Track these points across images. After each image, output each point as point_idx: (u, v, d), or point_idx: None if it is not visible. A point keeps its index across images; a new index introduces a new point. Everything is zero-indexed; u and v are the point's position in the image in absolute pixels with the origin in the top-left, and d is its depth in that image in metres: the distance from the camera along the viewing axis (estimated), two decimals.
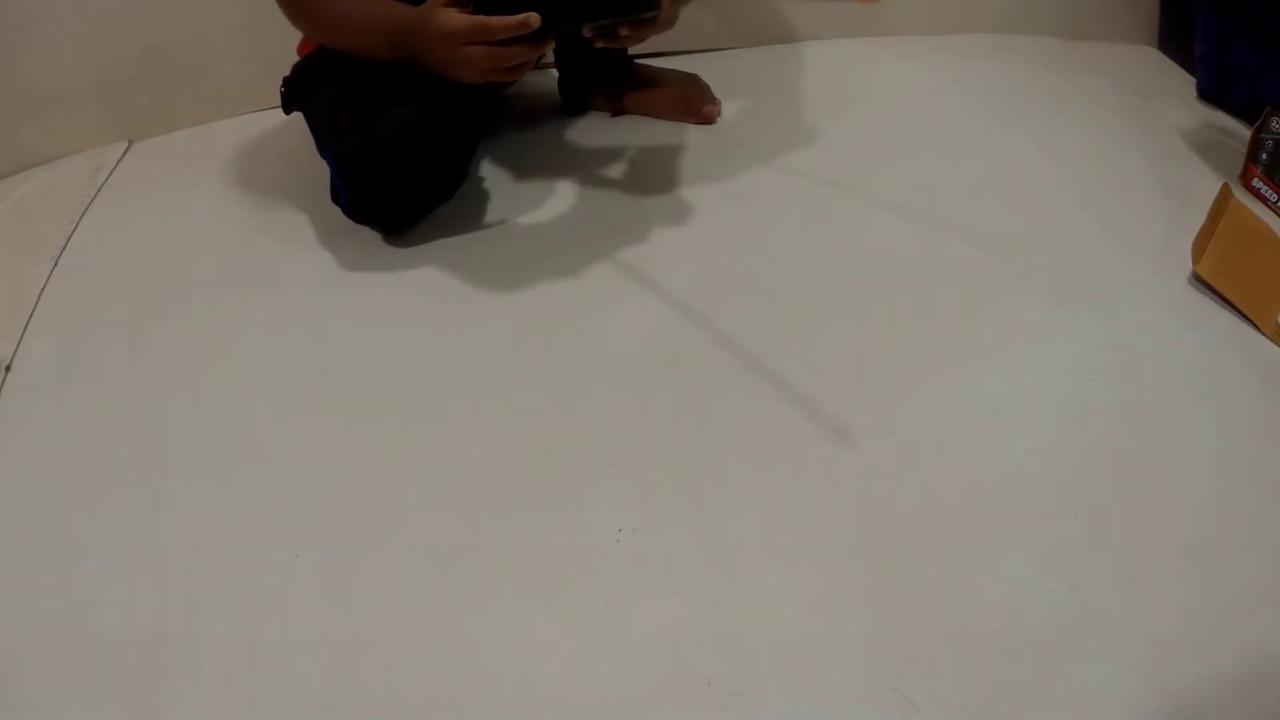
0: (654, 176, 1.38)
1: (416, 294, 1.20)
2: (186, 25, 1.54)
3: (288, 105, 1.28)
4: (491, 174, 1.40)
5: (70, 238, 1.37)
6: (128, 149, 1.56)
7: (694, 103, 1.49)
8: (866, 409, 1.02)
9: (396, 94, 1.17)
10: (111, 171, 1.50)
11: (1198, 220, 1.20)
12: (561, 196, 1.35)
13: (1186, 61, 1.61)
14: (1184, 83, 1.59)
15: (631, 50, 1.36)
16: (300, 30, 1.25)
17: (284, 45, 1.24)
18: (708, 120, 1.49)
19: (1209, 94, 1.54)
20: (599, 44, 1.09)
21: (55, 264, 1.32)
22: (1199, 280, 1.15)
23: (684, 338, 1.12)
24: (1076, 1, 1.70)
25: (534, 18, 1.01)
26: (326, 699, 0.82)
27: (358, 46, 1.17)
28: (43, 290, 1.28)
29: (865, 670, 0.81)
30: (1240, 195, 1.27)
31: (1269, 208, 1.29)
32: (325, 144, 1.23)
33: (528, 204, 1.33)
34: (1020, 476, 0.96)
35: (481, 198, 1.34)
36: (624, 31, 1.07)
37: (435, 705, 0.81)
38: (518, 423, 1.03)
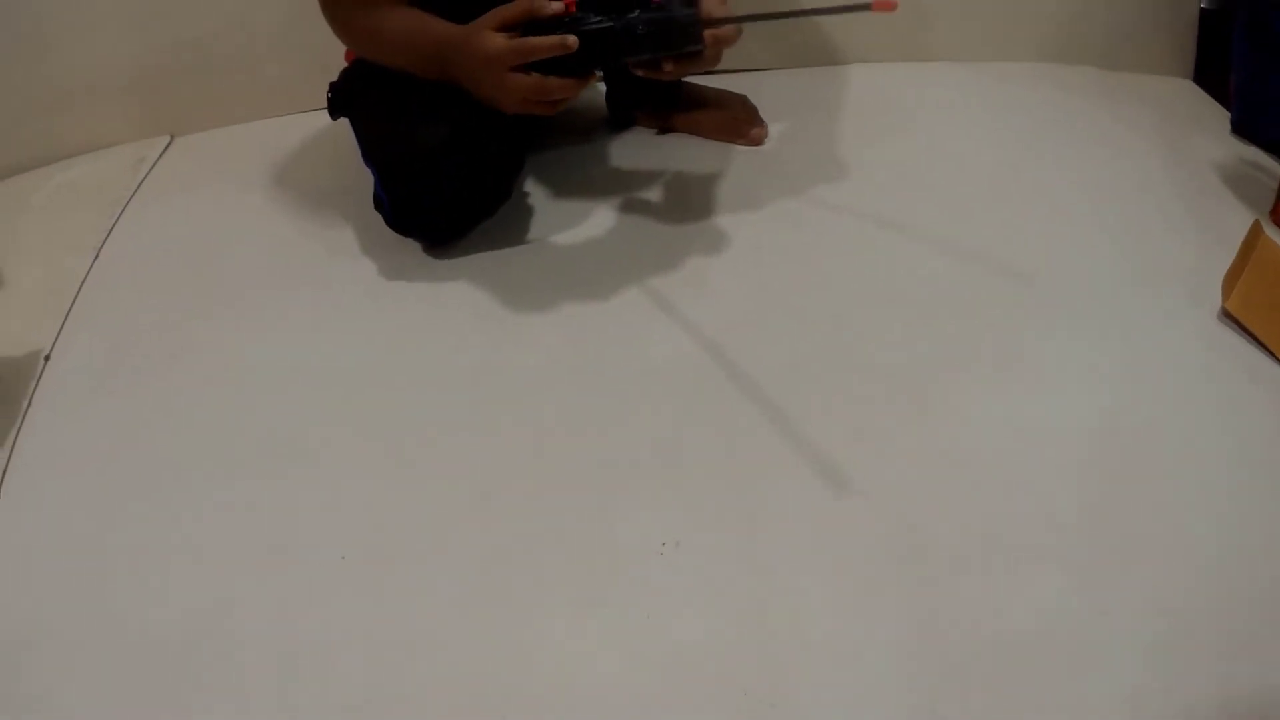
0: (699, 196, 1.39)
1: (459, 304, 1.21)
2: (232, 23, 1.56)
3: (334, 110, 1.29)
4: (535, 188, 1.41)
5: (111, 230, 1.39)
6: (169, 143, 1.58)
7: (742, 125, 1.50)
8: (902, 428, 1.04)
9: (442, 108, 1.17)
10: (153, 165, 1.53)
11: (1229, 254, 1.21)
12: (605, 213, 1.36)
13: (1222, 95, 1.62)
14: (1219, 116, 1.59)
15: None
16: (345, 43, 1.26)
17: (329, 48, 1.25)
18: (755, 142, 1.49)
19: (1243, 128, 1.55)
20: (640, 73, 1.09)
21: (96, 256, 1.34)
22: (1228, 316, 1.16)
23: (726, 355, 1.13)
24: (1117, 32, 1.70)
25: (572, 39, 1.01)
26: (365, 702, 0.83)
27: (400, 63, 1.18)
28: (83, 282, 1.29)
29: (898, 683, 0.82)
30: (1271, 231, 1.28)
31: None
32: (369, 153, 1.24)
33: (571, 219, 1.34)
34: (1050, 498, 0.97)
35: (524, 212, 1.36)
36: (667, 66, 1.07)
37: (474, 710, 0.82)
38: (562, 433, 1.05)
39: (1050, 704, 0.81)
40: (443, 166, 1.19)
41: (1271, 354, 1.12)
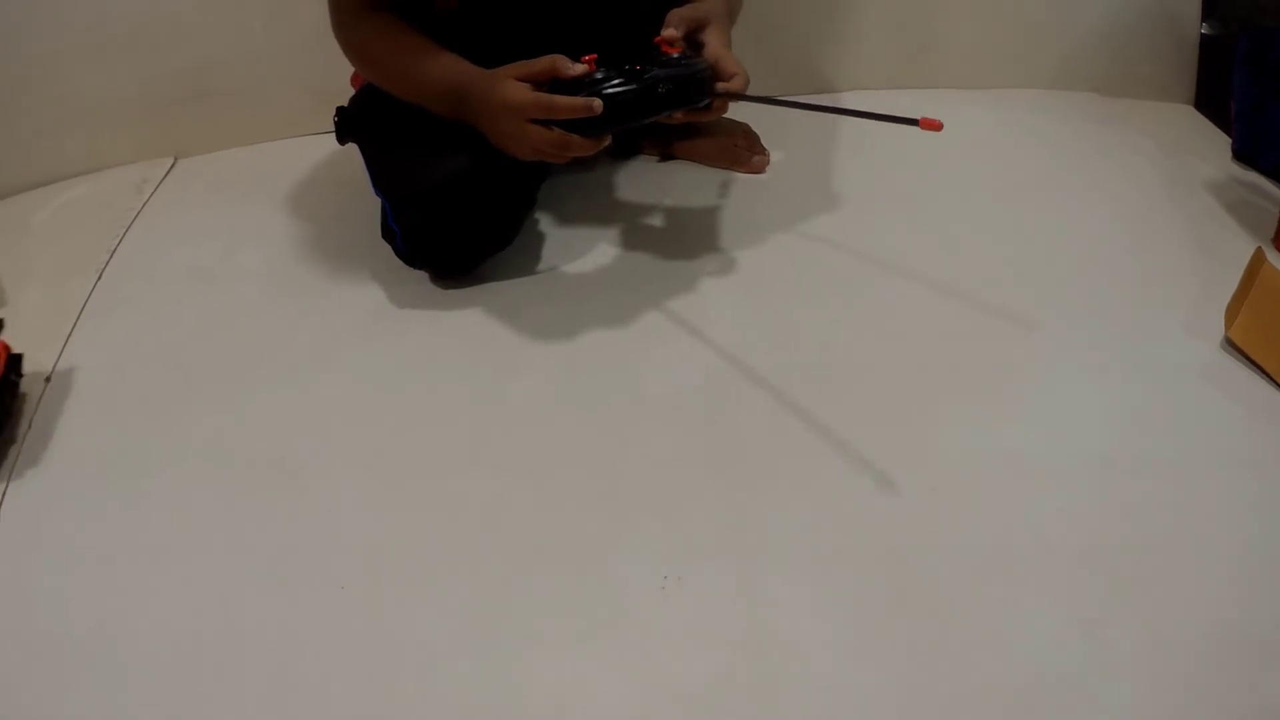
0: (700, 225, 1.39)
1: (461, 334, 1.21)
2: (236, 45, 1.56)
3: (342, 134, 1.29)
4: (538, 217, 1.41)
5: (114, 252, 1.38)
6: (173, 165, 1.58)
7: (743, 152, 1.50)
8: (902, 465, 1.03)
9: (455, 141, 1.17)
10: (157, 187, 1.52)
11: (1231, 281, 1.21)
12: (608, 242, 1.36)
13: (1223, 121, 1.62)
14: (1220, 143, 1.59)
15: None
16: (356, 67, 1.26)
17: (334, 72, 1.26)
18: (757, 170, 1.50)
19: (1244, 155, 1.55)
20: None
21: (99, 277, 1.34)
22: (1231, 344, 1.16)
23: (725, 386, 1.13)
24: (1118, 58, 1.71)
25: (598, 103, 1.02)
26: None
27: (415, 97, 1.18)
28: (85, 304, 1.29)
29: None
30: (1274, 257, 1.28)
31: None
32: (381, 182, 1.24)
33: (574, 249, 1.34)
34: (1050, 534, 0.96)
35: (527, 241, 1.35)
36: (677, 116, 1.09)
37: None
38: (561, 466, 1.04)
39: None
40: (460, 198, 1.19)
41: (1275, 382, 1.12)
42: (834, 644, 0.87)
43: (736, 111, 1.52)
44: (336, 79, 1.30)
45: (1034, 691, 0.83)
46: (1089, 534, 0.96)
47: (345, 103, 1.30)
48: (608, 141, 1.08)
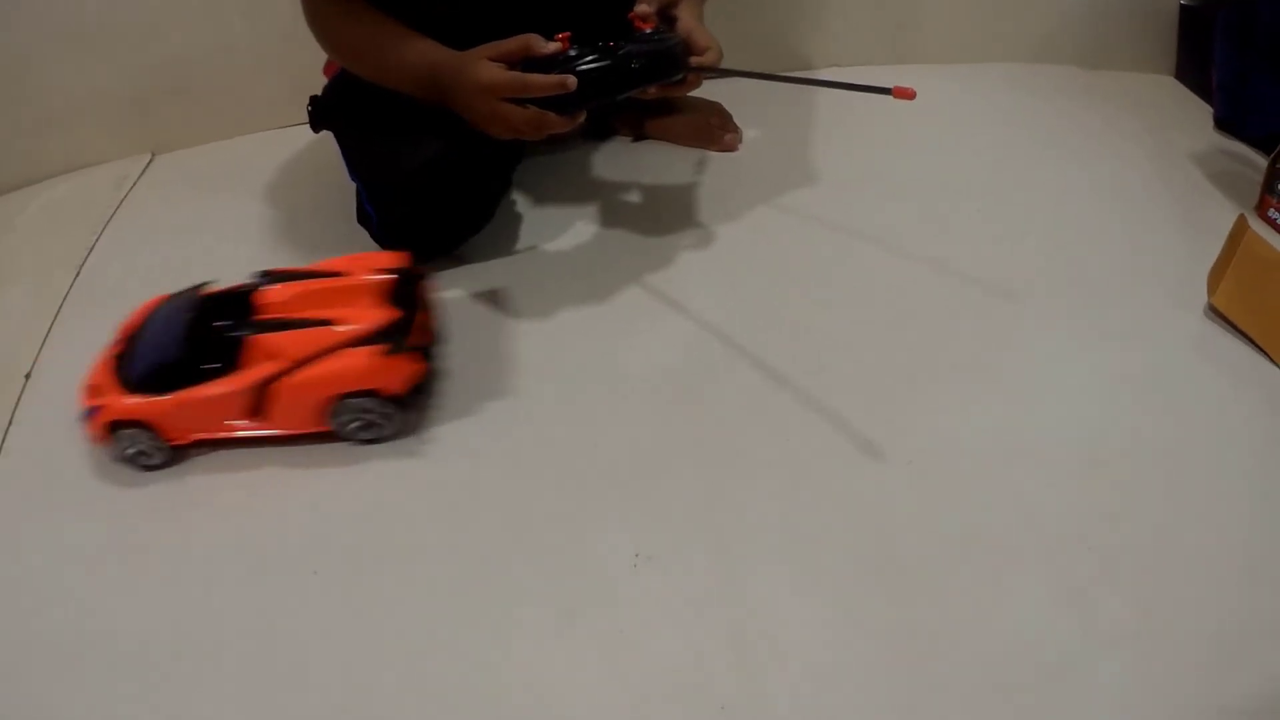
0: (675, 205, 1.39)
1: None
2: (211, 39, 1.55)
3: (316, 123, 1.28)
4: (514, 198, 1.40)
5: (93, 248, 1.38)
6: (150, 161, 1.58)
7: (715, 131, 1.50)
8: (883, 440, 1.03)
9: (430, 124, 1.17)
10: (135, 183, 1.52)
11: (1214, 250, 1.20)
12: (583, 223, 1.36)
13: (1204, 91, 1.62)
14: (1201, 112, 1.59)
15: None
16: (330, 54, 1.26)
17: (310, 62, 1.25)
18: (729, 148, 1.50)
19: (1226, 124, 1.55)
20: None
21: (78, 274, 1.33)
22: (1215, 312, 1.16)
23: (702, 365, 1.13)
24: (1097, 31, 1.70)
25: (572, 80, 1.02)
26: (336, 716, 0.82)
27: (391, 83, 1.17)
28: (64, 299, 1.29)
29: (879, 697, 0.81)
30: (1256, 225, 1.27)
31: None
32: (358, 168, 1.24)
33: (549, 230, 1.34)
34: (1035, 508, 0.96)
35: (504, 222, 1.35)
36: (651, 90, 1.09)
37: None
38: (537, 447, 1.04)
39: (1037, 716, 0.80)
40: (435, 182, 1.19)
41: (1259, 349, 1.12)
42: (815, 623, 0.87)
43: (709, 90, 1.52)
44: (312, 69, 1.29)
45: (1021, 667, 0.83)
46: (1076, 509, 0.96)
47: (319, 92, 1.29)
48: (583, 118, 1.08)
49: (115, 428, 0.99)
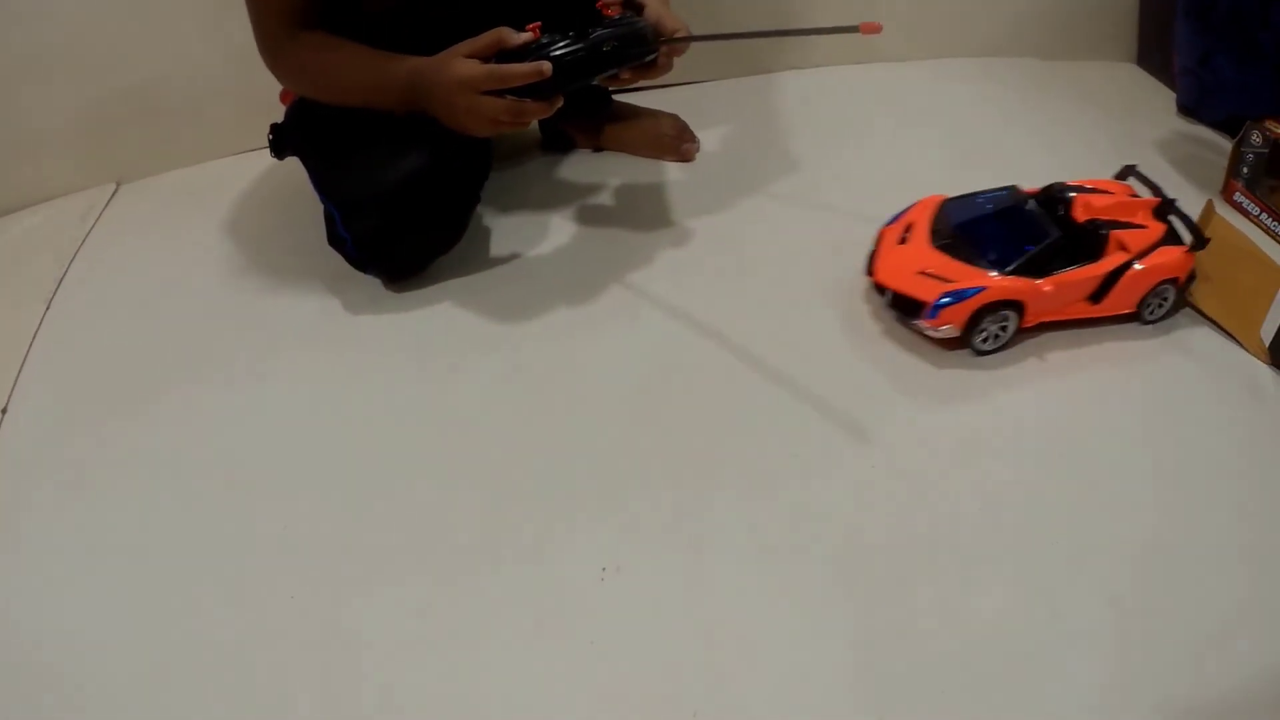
0: (635, 215, 1.39)
1: (405, 337, 1.21)
2: (173, 66, 1.55)
3: (279, 150, 1.28)
4: (481, 212, 1.40)
5: (61, 280, 1.37)
6: (116, 190, 1.57)
7: (673, 140, 1.50)
8: (846, 442, 1.03)
9: (404, 142, 1.17)
10: (101, 213, 1.51)
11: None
12: (548, 237, 1.36)
13: (1167, 76, 1.62)
14: (1165, 98, 1.60)
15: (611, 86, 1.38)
16: (292, 88, 1.26)
17: (270, 84, 1.24)
18: (686, 158, 1.50)
19: (1189, 109, 1.56)
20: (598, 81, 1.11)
21: (48, 307, 1.32)
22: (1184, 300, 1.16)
23: (666, 374, 1.13)
24: (1057, 22, 1.71)
25: (547, 66, 1.03)
26: None
27: (362, 101, 1.17)
28: (36, 333, 1.28)
29: (850, 699, 0.81)
30: (1222, 209, 1.28)
31: (1251, 221, 1.30)
32: (329, 191, 1.23)
33: (516, 244, 1.34)
34: (999, 505, 0.96)
35: (473, 238, 1.35)
36: (625, 75, 1.11)
37: None
38: (505, 463, 1.04)
39: (1009, 711, 0.80)
40: (410, 198, 1.19)
41: (1227, 334, 1.13)
42: (784, 627, 0.87)
43: (666, 102, 1.54)
44: (274, 92, 1.29)
45: (990, 662, 0.83)
46: (1040, 501, 0.97)
47: (279, 117, 1.29)
48: (560, 102, 1.09)
49: (986, 312, 1.07)
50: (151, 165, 1.59)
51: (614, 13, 1.10)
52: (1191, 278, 1.15)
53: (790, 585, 0.90)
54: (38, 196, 1.57)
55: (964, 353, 1.12)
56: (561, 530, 0.97)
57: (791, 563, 0.92)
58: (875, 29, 0.88)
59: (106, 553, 0.99)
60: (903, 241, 1.16)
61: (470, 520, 0.99)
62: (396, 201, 1.19)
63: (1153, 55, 1.68)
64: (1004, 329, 1.10)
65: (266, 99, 1.30)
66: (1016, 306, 1.08)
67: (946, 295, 1.07)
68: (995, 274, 1.08)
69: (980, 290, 1.07)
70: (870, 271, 1.17)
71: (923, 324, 1.09)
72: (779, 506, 0.97)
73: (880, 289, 1.14)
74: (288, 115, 1.30)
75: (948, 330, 1.08)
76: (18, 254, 1.47)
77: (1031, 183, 1.20)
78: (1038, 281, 1.08)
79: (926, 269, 1.11)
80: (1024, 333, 1.12)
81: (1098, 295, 1.11)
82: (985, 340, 1.10)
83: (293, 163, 1.30)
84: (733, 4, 1.63)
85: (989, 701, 0.80)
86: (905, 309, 1.11)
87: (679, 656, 0.85)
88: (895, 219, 1.21)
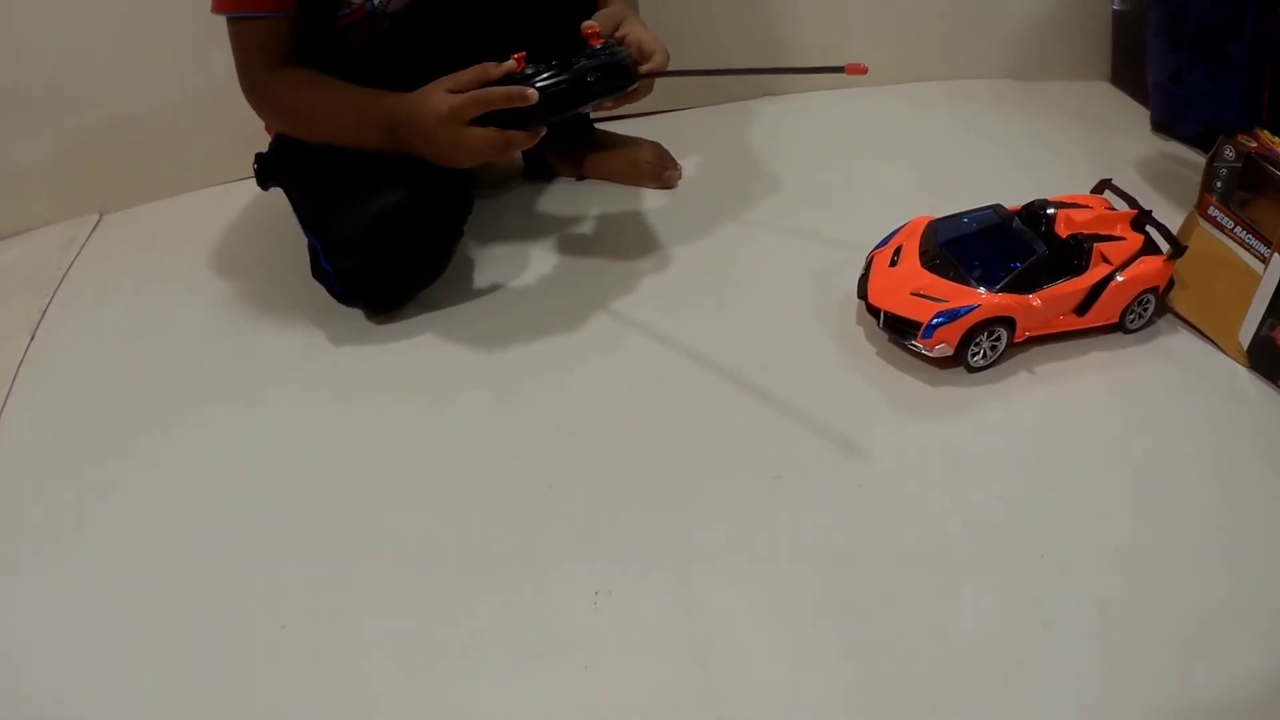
0: (619, 241, 1.40)
1: (390, 368, 1.21)
2: (155, 97, 1.55)
3: (263, 180, 1.28)
4: (466, 241, 1.40)
5: (45, 312, 1.36)
6: (99, 221, 1.57)
7: (655, 168, 1.51)
8: (832, 462, 1.04)
9: (387, 176, 1.17)
10: (84, 244, 1.51)
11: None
12: (532, 265, 1.36)
13: (1140, 94, 1.64)
14: (1138, 115, 1.62)
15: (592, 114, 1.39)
16: (275, 125, 1.26)
17: (252, 115, 1.25)
18: (669, 185, 1.51)
19: (1163, 125, 1.58)
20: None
21: (31, 339, 1.32)
22: (1166, 307, 1.19)
23: (651, 398, 1.14)
24: (1029, 42, 1.73)
25: (532, 91, 1.03)
26: None
27: (348, 141, 1.17)
28: (19, 366, 1.27)
29: (845, 715, 0.82)
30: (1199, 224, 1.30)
31: (1226, 234, 1.32)
32: (312, 225, 1.23)
33: (500, 273, 1.35)
34: (986, 520, 0.97)
35: (457, 268, 1.34)
36: (607, 103, 1.11)
37: None
38: (494, 492, 1.04)
39: None
40: (393, 232, 1.19)
41: (1207, 339, 1.14)
42: (776, 645, 0.88)
43: (647, 129, 1.55)
44: (256, 123, 1.29)
45: (981, 674, 0.84)
46: (1026, 514, 0.97)
47: (263, 148, 1.30)
48: (544, 131, 1.09)
49: (979, 329, 1.08)
50: (134, 196, 1.59)
51: (597, 42, 1.10)
52: (1170, 285, 1.17)
53: (779, 603, 0.91)
54: (20, 227, 1.56)
55: (957, 370, 1.13)
56: (553, 556, 0.97)
57: (782, 581, 0.93)
58: (860, 70, 0.89)
59: (92, 586, 0.98)
60: (893, 264, 1.17)
61: (461, 548, 0.98)
62: (376, 239, 1.19)
63: (1126, 73, 1.70)
64: (996, 345, 1.11)
65: (249, 130, 1.30)
66: (1008, 323, 1.10)
67: (940, 315, 1.08)
68: (986, 291, 1.09)
69: (973, 308, 1.08)
70: (863, 294, 1.18)
71: (917, 344, 1.10)
72: (765, 527, 0.98)
73: (874, 311, 1.15)
74: (272, 145, 1.30)
75: (942, 349, 1.09)
76: (2, 285, 1.46)
77: (1012, 201, 1.21)
78: (1027, 297, 1.10)
79: (919, 289, 1.12)
80: (1013, 347, 1.13)
81: (1083, 307, 1.13)
82: (978, 357, 1.11)
83: (276, 193, 1.30)
84: (717, 33, 1.66)
85: (981, 712, 0.81)
86: (899, 330, 1.12)
87: (673, 677, 0.85)
88: (885, 241, 1.22)
